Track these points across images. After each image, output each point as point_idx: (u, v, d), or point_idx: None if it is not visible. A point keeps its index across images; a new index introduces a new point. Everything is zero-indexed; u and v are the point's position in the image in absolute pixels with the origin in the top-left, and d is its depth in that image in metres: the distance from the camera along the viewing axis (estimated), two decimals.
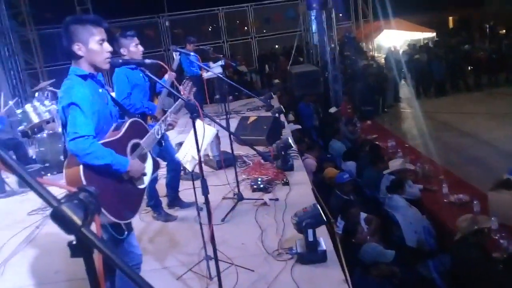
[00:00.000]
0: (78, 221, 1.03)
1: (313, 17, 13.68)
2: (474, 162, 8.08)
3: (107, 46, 2.43)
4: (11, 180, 5.78)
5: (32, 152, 6.87)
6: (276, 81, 14.07)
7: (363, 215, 5.26)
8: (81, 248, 1.08)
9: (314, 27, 13.66)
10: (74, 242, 1.08)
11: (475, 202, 5.54)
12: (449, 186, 6.25)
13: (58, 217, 1.03)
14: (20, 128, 6.93)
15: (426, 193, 6.41)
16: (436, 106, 12.76)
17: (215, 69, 7.37)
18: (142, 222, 4.26)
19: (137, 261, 2.64)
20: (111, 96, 2.68)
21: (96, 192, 1.17)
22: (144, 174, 2.55)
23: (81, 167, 2.21)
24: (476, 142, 9.22)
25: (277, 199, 4.41)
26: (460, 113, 11.55)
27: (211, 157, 5.68)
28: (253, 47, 17.68)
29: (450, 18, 28.15)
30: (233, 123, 6.61)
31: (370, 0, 17.31)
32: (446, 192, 6.15)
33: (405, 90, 14.96)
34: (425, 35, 21.35)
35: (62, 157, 5.72)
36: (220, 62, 8.06)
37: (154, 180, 4.06)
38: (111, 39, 2.55)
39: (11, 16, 12.17)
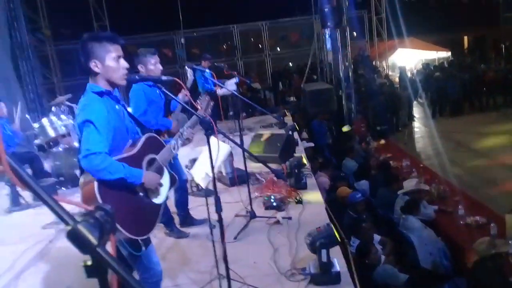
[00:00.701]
0: (94, 241, 1.03)
1: (327, 35, 13.75)
2: (490, 184, 7.96)
3: (123, 63, 2.45)
4: (26, 193, 5.82)
5: (47, 166, 6.93)
6: (291, 98, 14.09)
7: (377, 237, 5.18)
8: (96, 268, 1.07)
9: (328, 45, 13.71)
10: (89, 262, 1.07)
11: (492, 225, 5.41)
12: (465, 207, 6.14)
13: (74, 237, 1.03)
14: (37, 142, 7.01)
15: (442, 214, 6.29)
16: (451, 125, 12.65)
17: (229, 86, 7.40)
18: (154, 238, 4.22)
19: (157, 278, 2.61)
20: (128, 112, 2.69)
21: (112, 210, 1.16)
22: (161, 185, 2.55)
23: (95, 183, 2.22)
24: (492, 163, 9.09)
25: (290, 218, 4.37)
26: (476, 133, 11.42)
27: (224, 174, 5.68)
28: (267, 65, 17.78)
29: (465, 37, 28.04)
30: (246, 140, 6.60)
31: (385, 19, 17.35)
32: (462, 213, 6.03)
33: (420, 109, 14.87)
34: (440, 55, 21.28)
35: (77, 171, 5.77)
36: (234, 80, 8.11)
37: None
38: (128, 56, 2.58)
39: (31, 32, 12.42)
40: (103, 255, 1.04)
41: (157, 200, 2.55)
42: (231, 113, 8.45)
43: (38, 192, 1.07)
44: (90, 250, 1.03)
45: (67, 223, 1.05)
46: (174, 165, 4.08)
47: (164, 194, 2.60)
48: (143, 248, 2.43)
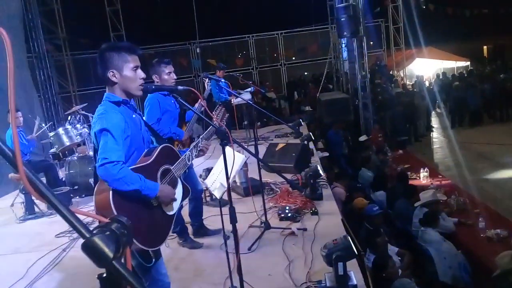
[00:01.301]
0: (110, 254, 1.00)
1: (343, 45, 13.70)
2: (510, 196, 7.76)
3: (140, 73, 2.46)
4: (40, 201, 5.85)
5: (62, 174, 6.98)
6: (307, 108, 14.03)
7: (395, 249, 5.06)
8: (111, 282, 1.04)
9: (344, 54, 13.65)
10: (105, 275, 1.04)
11: None
12: (486, 220, 5.98)
13: (90, 249, 1.01)
14: (52, 150, 7.07)
15: (461, 227, 6.14)
16: (470, 136, 12.43)
17: (244, 95, 7.38)
18: (167, 248, 4.20)
19: None
20: (144, 121, 2.69)
21: (128, 222, 1.13)
22: (174, 200, 2.52)
23: (110, 192, 2.20)
24: None
25: (305, 229, 4.29)
26: (496, 144, 11.18)
27: (238, 184, 5.63)
28: (283, 74, 17.77)
29: (485, 47, 27.69)
30: (261, 150, 6.56)
31: (402, 28, 17.24)
32: (483, 226, 5.87)
33: (439, 119, 14.67)
34: (459, 64, 21.02)
35: (91, 180, 5.79)
36: (250, 89, 8.09)
37: (179, 207, 4.02)
38: (144, 66, 2.58)
39: (48, 42, 12.62)
40: (119, 269, 1.01)
41: (170, 212, 2.52)
42: (245, 122, 8.41)
43: (54, 203, 1.05)
44: (106, 263, 1.01)
45: (83, 235, 1.03)
46: (189, 175, 4.05)
47: (177, 206, 2.57)
48: (153, 260, 2.39)
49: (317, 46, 17.86)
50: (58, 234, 4.91)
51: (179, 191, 2.61)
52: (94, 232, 1.04)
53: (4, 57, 1.02)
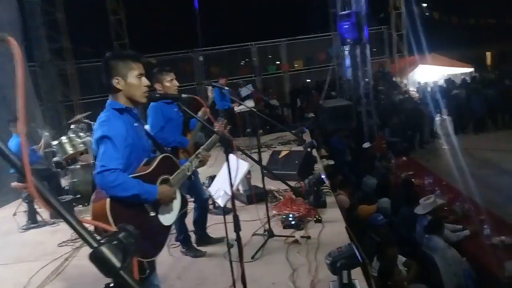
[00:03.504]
0: (117, 264, 1.00)
1: (346, 52, 13.70)
2: None
3: (145, 81, 2.48)
4: (43, 210, 5.84)
5: (65, 183, 6.97)
6: (311, 115, 14.02)
7: (402, 258, 5.01)
8: None
9: (347, 61, 13.65)
10: (112, 285, 1.04)
11: None
12: (491, 227, 5.93)
13: (97, 259, 1.01)
14: (55, 159, 7.07)
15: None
16: (475, 142, 12.37)
17: (247, 103, 7.39)
18: (170, 257, 4.18)
19: None
20: (145, 131, 2.68)
21: (135, 231, 1.12)
22: (175, 198, 2.51)
23: (108, 201, 2.19)
24: None
25: (309, 237, 4.25)
26: (500, 150, 11.11)
27: (241, 192, 5.60)
28: (285, 81, 17.77)
29: (488, 53, 27.66)
30: (264, 157, 6.53)
31: (405, 35, 17.24)
32: (488, 233, 5.83)
33: (443, 126, 14.60)
34: (463, 70, 20.97)
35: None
36: (249, 87, 8.05)
37: (183, 215, 4.00)
38: (148, 74, 2.60)
39: (52, 50, 12.68)
40: (126, 279, 1.01)
41: (167, 222, 2.50)
42: (248, 130, 8.41)
43: (62, 212, 1.05)
44: (114, 273, 1.01)
45: (90, 245, 1.02)
46: (194, 184, 4.04)
47: (174, 216, 2.55)
48: (148, 271, 2.37)
49: (320, 54, 17.85)
50: (61, 243, 4.89)
51: (177, 201, 2.59)
52: (102, 241, 1.04)
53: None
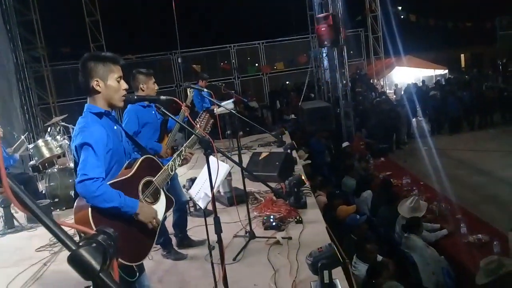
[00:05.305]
0: (97, 266, 0.99)
1: (324, 54, 13.83)
2: (490, 201, 7.90)
3: (123, 84, 2.45)
4: (20, 215, 5.72)
5: (42, 187, 6.84)
6: (292, 116, 14.07)
7: (379, 257, 5.06)
8: None
9: (325, 63, 13.77)
10: None
11: (495, 243, 5.33)
12: (467, 225, 6.05)
13: (76, 262, 1.00)
14: (31, 163, 6.94)
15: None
16: (450, 143, 12.63)
17: (227, 105, 7.37)
18: (151, 261, 4.13)
19: None
20: (126, 132, 2.65)
21: (115, 234, 1.11)
22: (155, 218, 2.45)
23: (89, 209, 2.16)
24: (491, 180, 9.03)
25: (290, 238, 4.27)
26: (475, 150, 11.38)
27: (222, 193, 5.59)
28: (264, 83, 17.83)
29: (462, 55, 28.29)
30: (245, 159, 6.53)
31: (381, 37, 17.52)
32: (465, 232, 5.94)
33: (419, 126, 14.87)
34: (437, 72, 21.41)
35: (72, 192, 5.68)
36: (230, 101, 8.06)
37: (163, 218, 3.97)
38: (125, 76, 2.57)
39: (27, 52, 12.43)
40: (106, 281, 0.99)
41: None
42: (228, 132, 8.39)
43: (39, 215, 1.03)
44: (93, 275, 0.99)
45: (69, 248, 1.01)
46: (173, 186, 4.01)
47: (160, 218, 2.52)
48: (137, 274, 2.36)
49: (301, 56, 17.96)
50: (39, 248, 4.79)
51: (162, 202, 2.56)
52: (81, 244, 1.02)
53: None
